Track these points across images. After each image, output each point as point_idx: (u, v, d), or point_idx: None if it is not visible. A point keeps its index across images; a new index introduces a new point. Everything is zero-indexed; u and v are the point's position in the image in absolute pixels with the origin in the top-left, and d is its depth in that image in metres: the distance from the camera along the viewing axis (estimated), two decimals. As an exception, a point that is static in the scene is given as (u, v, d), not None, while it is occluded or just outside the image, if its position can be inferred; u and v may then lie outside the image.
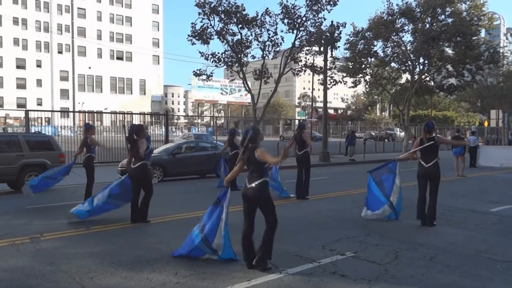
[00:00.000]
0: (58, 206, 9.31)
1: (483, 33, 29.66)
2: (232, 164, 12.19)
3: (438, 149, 7.37)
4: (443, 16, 24.89)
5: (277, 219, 4.98)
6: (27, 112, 18.29)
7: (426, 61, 26.21)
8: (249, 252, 5.00)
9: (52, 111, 37.52)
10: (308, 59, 22.61)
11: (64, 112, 52.99)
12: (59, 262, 5.26)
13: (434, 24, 24.73)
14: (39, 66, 68.79)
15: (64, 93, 70.25)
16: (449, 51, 26.28)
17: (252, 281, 4.62)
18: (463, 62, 25.06)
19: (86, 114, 30.30)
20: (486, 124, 36.33)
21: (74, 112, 60.19)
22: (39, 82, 68.73)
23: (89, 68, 71.10)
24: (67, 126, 24.76)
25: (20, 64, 67.50)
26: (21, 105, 62.54)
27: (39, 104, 66.75)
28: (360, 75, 27.02)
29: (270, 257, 4.98)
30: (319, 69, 22.70)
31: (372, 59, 27.24)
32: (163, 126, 22.21)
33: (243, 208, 5.06)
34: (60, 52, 69.81)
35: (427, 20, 25.01)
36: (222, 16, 20.08)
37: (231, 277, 4.75)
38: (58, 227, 7.11)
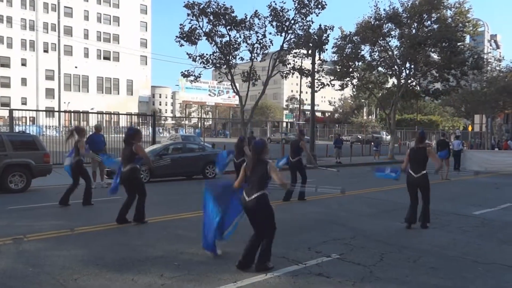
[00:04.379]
0: (42, 207, 9.18)
1: (467, 39, 30.17)
2: (238, 171, 12.10)
3: (427, 159, 7.45)
4: (429, 22, 25.28)
5: (274, 232, 5.09)
6: (11, 111, 17.96)
7: (412, 66, 26.57)
8: (249, 254, 5.02)
9: (37, 110, 36.92)
10: (296, 62, 22.72)
11: (49, 111, 52.24)
12: (42, 264, 5.19)
13: (420, 29, 25.09)
14: (24, 64, 67.74)
15: (49, 93, 69.24)
16: (434, 56, 26.67)
17: (238, 283, 4.62)
18: (448, 68, 25.49)
19: (72, 114, 29.91)
20: (470, 128, 36.94)
21: (59, 112, 59.35)
22: (23, 81, 67.66)
23: (76, 67, 70.22)
24: (52, 126, 24.40)
25: (5, 63, 66.35)
26: (5, 104, 61.44)
27: (24, 103, 65.67)
28: (348, 79, 27.23)
29: (269, 259, 5.08)
30: (307, 72, 22.84)
31: (360, 63, 27.49)
32: (150, 127, 22.01)
33: (248, 219, 5.11)
34: (46, 51, 68.83)
35: (413, 26, 25.37)
36: (211, 17, 20.07)
37: (217, 278, 4.75)
38: (41, 228, 7.01)
